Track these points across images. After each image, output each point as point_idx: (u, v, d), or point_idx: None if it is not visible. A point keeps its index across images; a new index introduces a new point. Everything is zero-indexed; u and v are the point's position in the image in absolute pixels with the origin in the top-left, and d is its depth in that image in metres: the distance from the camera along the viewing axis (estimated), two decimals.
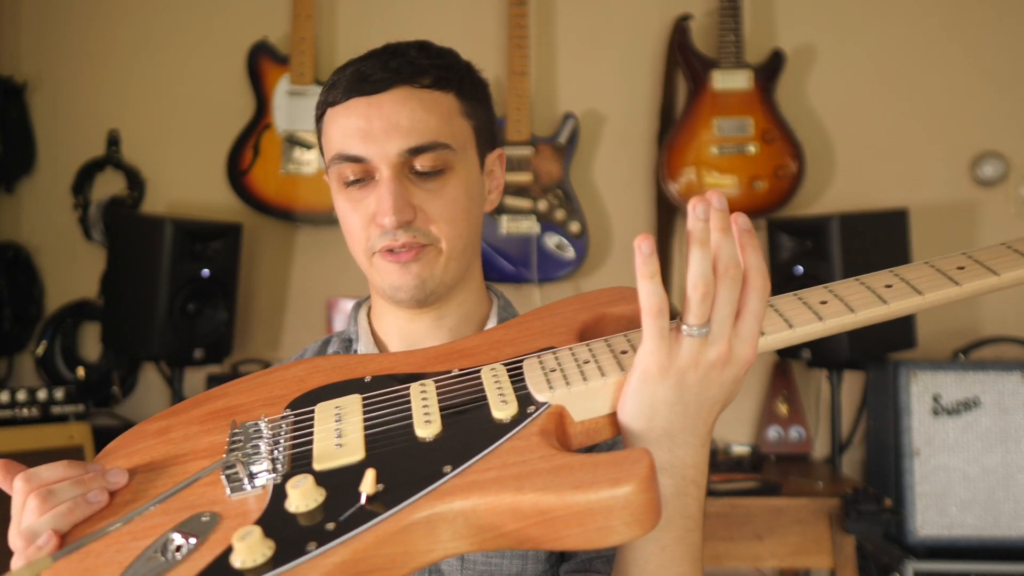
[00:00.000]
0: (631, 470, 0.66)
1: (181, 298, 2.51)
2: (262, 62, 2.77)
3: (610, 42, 2.83)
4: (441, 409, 0.78)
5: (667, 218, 2.75)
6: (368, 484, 0.69)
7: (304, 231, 2.83)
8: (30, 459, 2.49)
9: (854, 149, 2.77)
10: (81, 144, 2.87)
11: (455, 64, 1.02)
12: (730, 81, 2.66)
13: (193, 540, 0.69)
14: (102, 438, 2.42)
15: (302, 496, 0.70)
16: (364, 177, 0.97)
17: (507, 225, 2.65)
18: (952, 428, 2.29)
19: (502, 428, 0.74)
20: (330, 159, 0.99)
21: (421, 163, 0.96)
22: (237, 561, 0.65)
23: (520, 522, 0.67)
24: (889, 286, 0.80)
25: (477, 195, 1.02)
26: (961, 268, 0.79)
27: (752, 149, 2.63)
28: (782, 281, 2.55)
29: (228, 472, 0.75)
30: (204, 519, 0.71)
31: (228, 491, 0.73)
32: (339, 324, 2.71)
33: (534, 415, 0.75)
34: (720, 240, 0.74)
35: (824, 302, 0.79)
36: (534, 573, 0.96)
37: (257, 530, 0.66)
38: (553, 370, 0.79)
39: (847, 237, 2.40)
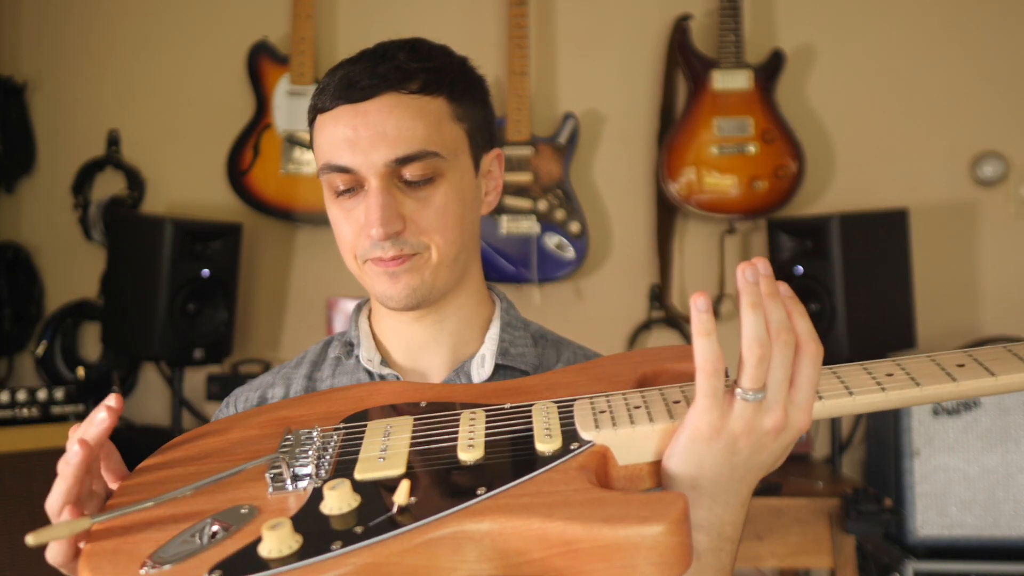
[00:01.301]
0: (663, 511, 0.65)
1: (181, 298, 2.51)
2: (262, 62, 2.77)
3: (610, 42, 2.83)
4: (486, 436, 0.79)
5: (667, 218, 2.75)
6: (401, 495, 0.70)
7: (304, 231, 2.83)
8: (30, 459, 2.48)
9: (854, 149, 2.77)
10: (81, 144, 2.87)
11: (446, 65, 0.99)
12: (730, 81, 2.66)
13: (228, 528, 0.72)
14: None
15: (337, 499, 0.71)
16: (353, 186, 0.96)
17: (507, 225, 2.65)
18: (952, 428, 2.29)
19: (543, 460, 0.75)
20: (320, 168, 0.98)
21: (409, 172, 0.94)
22: (264, 550, 0.67)
23: (546, 551, 0.67)
24: (961, 366, 0.77)
25: (471, 200, 1.01)
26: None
27: (752, 149, 2.63)
28: (782, 281, 2.54)
29: (273, 471, 0.78)
30: (243, 511, 0.74)
31: (270, 489, 0.76)
32: (339, 324, 2.71)
33: (576, 451, 0.75)
34: (770, 306, 0.73)
35: (890, 374, 0.79)
36: None
37: (288, 523, 0.68)
38: (603, 412, 0.79)
39: (847, 237, 2.40)
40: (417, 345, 1.04)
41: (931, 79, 2.77)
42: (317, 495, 0.74)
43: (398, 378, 1.02)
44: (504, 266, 2.64)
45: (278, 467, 0.78)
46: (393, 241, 0.94)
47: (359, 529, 0.69)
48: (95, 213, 2.83)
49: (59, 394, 2.38)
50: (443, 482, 0.74)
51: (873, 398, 0.77)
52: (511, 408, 0.84)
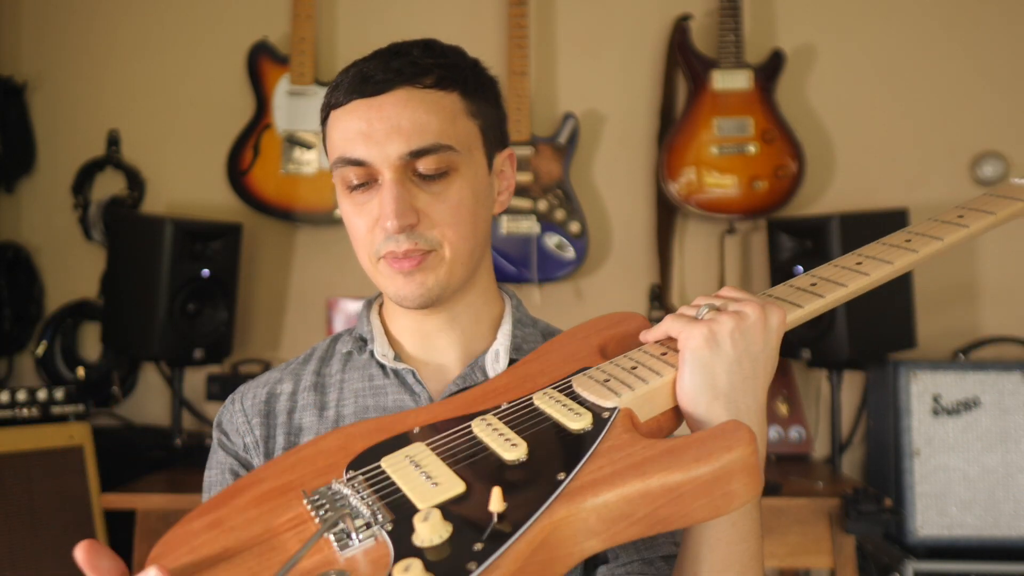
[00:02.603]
0: (738, 435, 0.71)
1: (181, 298, 2.51)
2: (262, 62, 2.77)
3: (610, 42, 2.83)
4: (518, 432, 0.79)
5: (667, 218, 2.75)
6: (496, 502, 0.70)
7: (304, 231, 2.83)
8: (30, 459, 2.48)
9: (854, 149, 2.77)
10: (81, 144, 2.87)
11: (460, 63, 1.00)
12: (730, 81, 2.66)
13: None
14: (102, 438, 2.43)
15: (431, 529, 0.69)
16: (367, 181, 0.96)
17: (507, 225, 2.65)
18: (952, 428, 2.29)
19: (588, 435, 0.77)
20: (333, 162, 0.98)
21: (423, 166, 0.94)
22: None
23: (651, 504, 0.70)
24: (859, 263, 0.90)
25: (484, 196, 1.01)
26: (908, 241, 0.90)
27: (752, 149, 2.63)
28: (782, 281, 2.54)
29: (335, 531, 0.72)
30: None
31: (337, 549, 0.71)
32: (339, 324, 2.71)
33: (611, 419, 0.78)
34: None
35: (814, 284, 0.90)
36: None
37: (417, 562, 0.65)
38: (607, 380, 0.83)
39: (847, 237, 2.40)
40: (430, 340, 1.04)
41: (931, 79, 2.77)
42: (398, 536, 0.70)
43: (413, 373, 1.02)
44: (504, 266, 2.64)
45: (336, 524, 0.72)
46: (408, 234, 0.94)
47: (478, 546, 0.67)
48: (95, 213, 2.83)
49: (59, 394, 2.38)
50: (514, 482, 0.74)
51: (839, 294, 0.87)
52: (511, 405, 0.85)
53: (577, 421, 0.78)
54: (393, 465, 0.79)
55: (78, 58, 2.91)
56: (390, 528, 0.71)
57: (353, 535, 0.71)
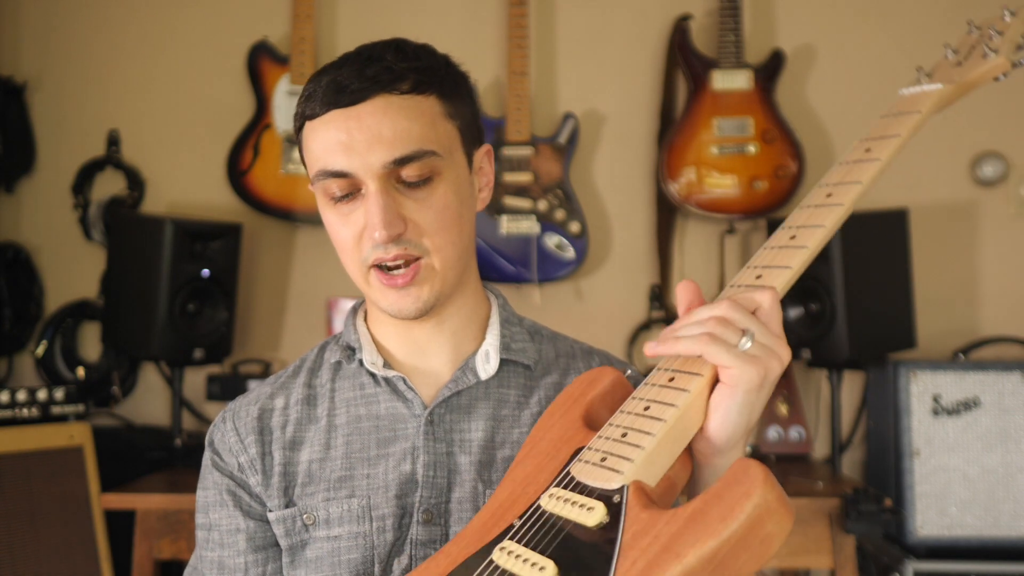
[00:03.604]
0: (752, 477, 0.70)
1: (181, 298, 2.51)
2: (262, 62, 2.77)
3: (610, 42, 2.83)
4: (540, 552, 0.77)
5: (667, 218, 2.75)
6: None
7: (304, 231, 2.83)
8: (30, 459, 2.49)
9: None
10: (81, 144, 2.87)
11: (433, 64, 0.98)
12: (730, 81, 2.66)
13: None
14: (102, 438, 2.43)
15: None
16: (351, 191, 0.95)
17: (507, 225, 2.65)
18: (952, 428, 2.29)
19: (608, 528, 0.75)
20: (314, 175, 0.97)
21: (407, 173, 0.93)
22: None
23: None
24: (793, 237, 0.89)
25: (468, 197, 1.01)
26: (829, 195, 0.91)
27: (752, 149, 2.63)
28: None
29: None
30: None
31: None
32: (339, 324, 2.71)
33: (623, 501, 0.75)
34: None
35: (793, 237, 0.87)
36: None
37: None
38: (604, 459, 0.80)
39: (847, 237, 2.40)
40: (419, 346, 1.04)
41: None
42: None
43: (404, 380, 1.02)
44: (504, 266, 2.64)
45: None
46: (396, 243, 0.94)
47: None
48: (95, 213, 2.83)
49: (59, 394, 2.38)
50: None
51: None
52: (525, 519, 0.82)
53: (591, 516, 0.75)
54: None
55: (78, 58, 2.91)
56: None
57: None
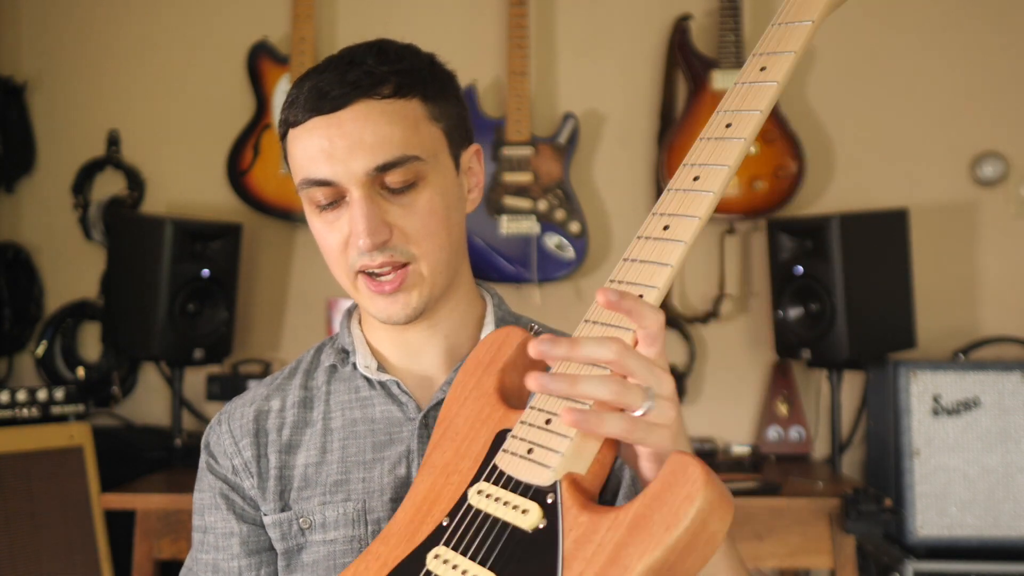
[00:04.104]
0: (690, 477, 0.68)
1: (181, 298, 2.51)
2: (262, 62, 2.77)
3: (610, 42, 2.83)
4: (479, 562, 0.74)
5: None
6: None
7: (304, 231, 2.83)
8: (30, 459, 2.48)
9: (854, 149, 2.77)
10: (81, 144, 2.87)
11: (416, 65, 0.96)
12: (730, 81, 2.64)
13: None
14: (102, 438, 2.43)
15: None
16: (336, 199, 0.94)
17: (507, 225, 2.65)
18: (952, 428, 2.29)
19: (546, 532, 0.72)
20: (298, 183, 0.96)
21: (391, 179, 0.92)
22: None
23: None
24: (696, 178, 0.83)
25: (456, 200, 0.99)
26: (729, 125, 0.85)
27: (752, 149, 2.62)
28: (782, 281, 2.55)
29: None
30: None
31: None
32: (339, 324, 2.70)
33: (558, 500, 0.73)
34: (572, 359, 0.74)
35: (666, 227, 0.79)
36: None
37: None
38: (530, 450, 0.76)
39: (847, 237, 2.40)
40: (413, 349, 1.03)
41: (931, 79, 2.77)
42: None
43: (398, 384, 1.01)
44: (504, 266, 2.64)
45: None
46: (381, 250, 0.93)
47: None
48: (95, 213, 2.83)
49: (59, 394, 2.38)
50: None
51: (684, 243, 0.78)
52: (452, 519, 0.79)
53: (527, 519, 0.73)
54: None
55: (78, 58, 2.91)
56: None
57: None
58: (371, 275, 0.95)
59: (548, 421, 0.76)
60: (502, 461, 0.78)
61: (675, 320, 2.75)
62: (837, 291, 2.39)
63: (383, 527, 0.96)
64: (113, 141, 2.87)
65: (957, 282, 2.74)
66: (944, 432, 2.29)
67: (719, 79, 2.66)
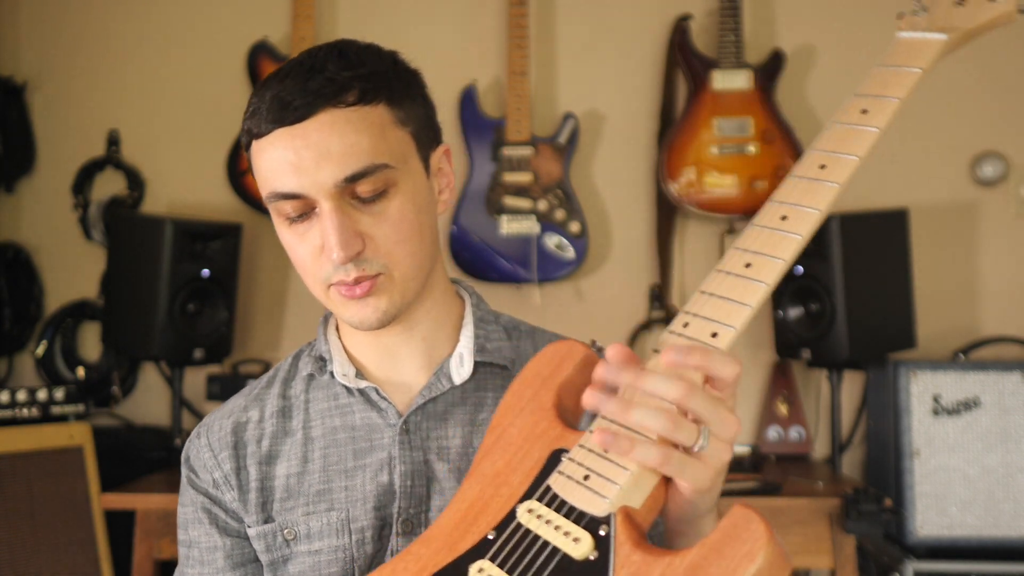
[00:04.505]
0: (753, 535, 0.67)
1: (181, 298, 2.51)
2: (262, 62, 2.77)
3: (610, 42, 2.83)
4: None
5: (667, 218, 2.75)
6: None
7: None
8: (30, 459, 2.49)
9: None
10: (81, 144, 2.87)
11: (379, 68, 0.93)
12: (730, 81, 2.65)
13: None
14: (102, 438, 2.43)
15: None
16: (305, 211, 0.92)
17: (507, 225, 2.65)
18: (952, 428, 2.29)
19: (597, 565, 0.71)
20: (266, 196, 0.94)
21: (361, 189, 0.90)
22: None
23: None
24: (784, 217, 0.80)
25: (427, 204, 0.97)
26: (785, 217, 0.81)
27: (752, 149, 2.63)
28: (782, 281, 2.54)
29: None
30: None
31: None
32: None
33: (611, 533, 0.71)
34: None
35: (748, 264, 0.79)
36: None
37: None
38: (587, 477, 0.75)
39: (847, 237, 2.40)
40: (390, 354, 1.02)
41: (931, 79, 2.75)
42: None
43: (376, 390, 1.00)
44: (504, 266, 2.65)
45: None
46: (355, 262, 0.91)
47: None
48: (95, 213, 2.83)
49: (59, 394, 2.38)
50: None
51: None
52: (499, 534, 0.77)
53: (578, 549, 0.71)
54: None
55: (78, 58, 2.91)
56: None
57: None
58: (343, 285, 0.94)
59: (607, 449, 0.74)
60: (556, 483, 0.76)
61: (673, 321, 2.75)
62: (837, 291, 2.39)
63: (367, 535, 0.96)
64: (113, 141, 2.87)
65: (957, 282, 2.74)
66: (944, 432, 2.29)
67: (719, 79, 2.65)
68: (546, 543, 0.73)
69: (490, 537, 0.77)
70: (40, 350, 2.83)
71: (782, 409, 2.66)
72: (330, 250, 0.90)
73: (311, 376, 1.05)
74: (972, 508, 2.25)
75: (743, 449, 2.62)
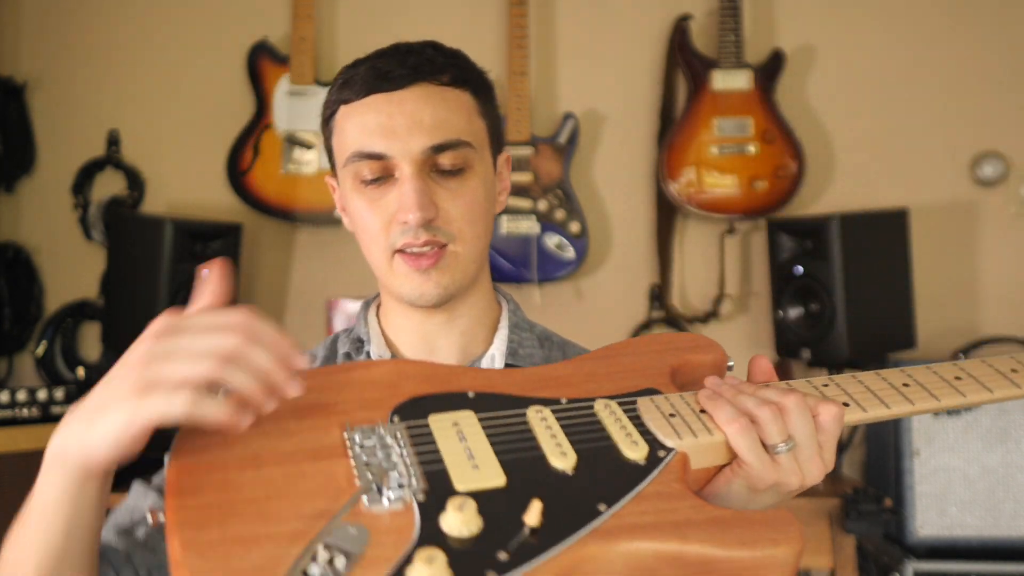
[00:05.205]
0: (786, 532, 0.71)
1: (181, 298, 2.50)
2: (262, 62, 2.77)
3: (610, 42, 2.83)
4: (571, 441, 0.76)
5: (667, 218, 2.75)
6: (534, 516, 0.67)
7: (304, 231, 2.83)
8: (30, 459, 2.49)
9: (854, 149, 2.77)
10: (81, 144, 2.87)
11: (468, 63, 1.02)
12: (730, 81, 2.66)
13: (344, 557, 0.64)
14: None
15: (464, 522, 0.66)
16: (383, 175, 0.96)
17: (507, 225, 2.65)
18: (952, 428, 2.29)
19: (639, 470, 0.75)
20: (346, 158, 0.97)
21: (444, 161, 0.95)
22: None
23: (680, 570, 0.69)
24: (959, 378, 0.88)
25: (492, 196, 1.02)
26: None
27: (752, 149, 2.63)
28: (782, 281, 2.55)
29: (367, 480, 0.70)
30: (351, 531, 0.66)
31: (366, 502, 0.68)
32: (339, 324, 2.71)
33: (666, 460, 0.76)
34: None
35: (906, 384, 0.85)
36: None
37: (441, 556, 0.62)
38: (672, 415, 0.80)
39: (847, 237, 2.40)
40: (428, 341, 1.04)
41: (931, 79, 2.77)
42: (427, 512, 0.67)
43: None
44: (504, 266, 2.65)
45: (375, 476, 0.70)
46: (427, 227, 0.94)
47: (503, 556, 0.65)
48: (95, 213, 2.83)
49: (59, 394, 2.38)
50: (555, 497, 0.70)
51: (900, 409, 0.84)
52: (570, 404, 0.81)
53: (633, 450, 0.76)
54: (440, 429, 0.76)
55: (78, 58, 2.91)
56: (422, 499, 0.69)
57: (385, 492, 0.69)
58: (410, 254, 0.96)
59: (703, 412, 0.80)
60: (643, 405, 0.81)
61: (674, 320, 2.75)
62: (837, 291, 2.39)
63: None
64: (113, 141, 2.87)
65: (957, 282, 2.74)
66: (944, 432, 2.29)
67: (719, 79, 2.66)
68: (607, 434, 0.78)
69: (562, 402, 0.82)
70: (40, 350, 2.83)
71: None
72: (406, 211, 0.94)
73: (347, 356, 1.07)
74: (972, 508, 2.25)
75: None
